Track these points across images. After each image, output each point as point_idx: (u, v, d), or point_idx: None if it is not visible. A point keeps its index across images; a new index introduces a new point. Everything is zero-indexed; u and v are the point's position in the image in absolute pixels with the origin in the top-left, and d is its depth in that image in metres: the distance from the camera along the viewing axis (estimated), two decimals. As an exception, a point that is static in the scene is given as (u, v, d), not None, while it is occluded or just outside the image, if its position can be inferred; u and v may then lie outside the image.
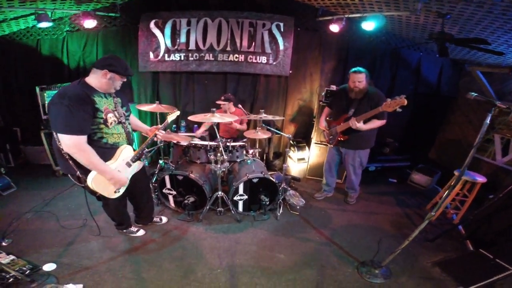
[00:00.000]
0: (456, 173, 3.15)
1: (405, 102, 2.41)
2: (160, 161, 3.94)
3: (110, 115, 1.97)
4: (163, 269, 2.31)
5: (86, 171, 1.90)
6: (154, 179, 3.72)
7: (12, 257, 1.99)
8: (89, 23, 3.66)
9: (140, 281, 2.16)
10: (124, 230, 2.69)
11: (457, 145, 4.31)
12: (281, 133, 3.31)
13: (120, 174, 2.04)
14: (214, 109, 2.86)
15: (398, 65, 4.29)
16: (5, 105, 4.29)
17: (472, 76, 3.92)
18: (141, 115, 4.46)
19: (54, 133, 1.83)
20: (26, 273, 1.93)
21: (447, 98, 4.29)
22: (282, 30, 4.02)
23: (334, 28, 3.71)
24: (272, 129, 3.40)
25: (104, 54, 4.11)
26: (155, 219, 2.95)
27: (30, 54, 4.06)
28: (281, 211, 3.25)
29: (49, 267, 2.13)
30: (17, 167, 4.24)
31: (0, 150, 3.99)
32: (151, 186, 3.03)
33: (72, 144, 1.77)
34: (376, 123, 2.91)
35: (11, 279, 1.87)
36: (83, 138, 1.81)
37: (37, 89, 3.72)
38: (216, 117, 2.81)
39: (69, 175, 2.00)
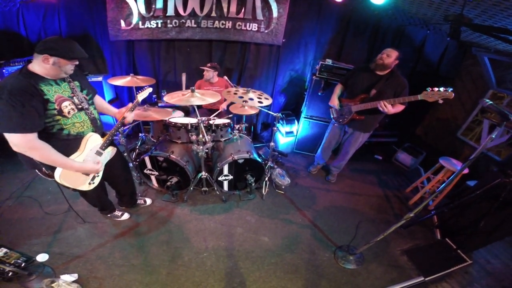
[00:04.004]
0: (441, 161, 3.43)
1: (452, 96, 2.46)
2: (141, 134, 4.01)
3: (65, 103, 1.85)
4: (151, 254, 2.58)
5: (52, 167, 1.88)
6: (135, 154, 3.83)
7: (4, 249, 2.12)
8: None
9: (130, 267, 2.43)
10: (109, 215, 2.87)
11: (444, 125, 4.58)
12: (269, 112, 3.37)
13: (87, 163, 2.00)
14: (193, 88, 2.74)
15: (401, 41, 4.25)
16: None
17: (475, 59, 3.99)
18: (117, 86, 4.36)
19: None
20: (22, 266, 2.10)
21: (444, 79, 4.39)
22: (277, -6, 3.80)
23: None
24: (263, 109, 3.43)
25: (68, 24, 3.85)
26: (138, 201, 3.12)
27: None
28: (267, 189, 3.51)
29: (42, 257, 2.30)
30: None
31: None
32: (130, 168, 2.95)
33: (21, 144, 1.69)
34: (400, 107, 2.93)
35: (10, 273, 2.05)
36: (32, 136, 1.71)
37: None
38: (196, 98, 2.69)
39: (36, 170, 1.98)
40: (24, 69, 1.73)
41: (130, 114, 2.31)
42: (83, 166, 1.97)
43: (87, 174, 2.09)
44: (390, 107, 2.84)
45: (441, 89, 2.49)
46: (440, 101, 2.53)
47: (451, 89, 2.46)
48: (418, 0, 3.23)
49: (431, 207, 3.57)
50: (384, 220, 3.35)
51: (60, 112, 1.82)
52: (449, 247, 2.91)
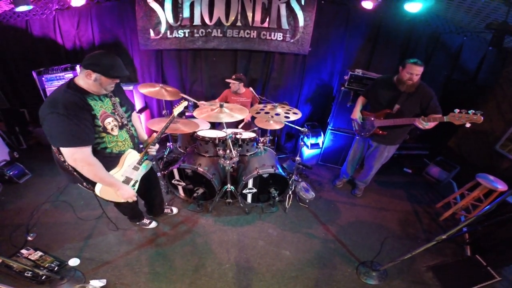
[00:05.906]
0: (478, 179, 3.29)
1: (481, 120, 2.39)
2: (168, 144, 4.23)
3: (108, 120, 1.91)
4: (175, 263, 2.72)
5: (92, 183, 1.99)
6: (163, 163, 4.04)
7: (40, 253, 2.36)
8: (76, 1, 3.64)
9: (155, 275, 2.58)
10: (137, 223, 3.06)
11: (481, 137, 4.35)
12: (296, 126, 3.41)
13: (127, 189, 2.12)
14: (222, 103, 2.85)
15: (435, 49, 4.13)
16: (8, 87, 4.44)
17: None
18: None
19: (53, 146, 1.81)
20: (55, 270, 2.33)
21: (482, 87, 4.20)
22: (302, 3, 3.83)
23: (367, 4, 3.57)
24: (290, 124, 3.47)
25: (100, 32, 4.12)
26: (166, 210, 3.31)
27: (21, 36, 4.07)
28: (290, 203, 3.55)
29: (73, 262, 2.53)
30: (29, 149, 4.56)
31: (10, 133, 4.30)
32: (159, 181, 3.07)
33: (79, 158, 1.75)
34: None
35: (43, 277, 2.28)
36: (89, 150, 1.78)
37: (34, 74, 3.80)
38: (225, 114, 2.79)
39: (77, 184, 2.10)
40: (71, 83, 1.80)
41: (154, 147, 2.33)
42: (123, 189, 2.09)
43: None
44: (431, 123, 2.74)
45: (470, 112, 2.42)
46: (468, 125, 2.44)
47: (481, 112, 2.38)
48: (455, 5, 3.13)
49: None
50: (412, 236, 3.28)
51: (104, 129, 1.89)
52: (478, 264, 2.79)
